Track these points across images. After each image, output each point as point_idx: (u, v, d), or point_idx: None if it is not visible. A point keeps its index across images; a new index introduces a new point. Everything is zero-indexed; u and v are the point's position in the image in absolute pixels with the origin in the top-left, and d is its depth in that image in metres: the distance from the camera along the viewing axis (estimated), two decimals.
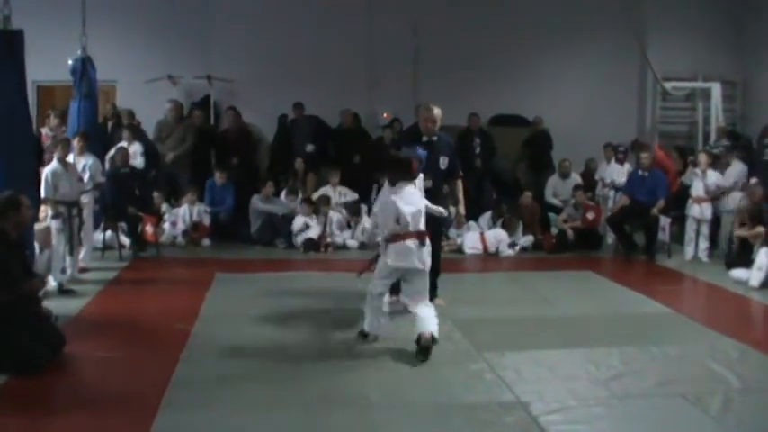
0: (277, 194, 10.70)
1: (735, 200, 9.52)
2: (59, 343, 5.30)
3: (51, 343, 5.20)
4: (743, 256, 8.47)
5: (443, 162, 6.68)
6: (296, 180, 11.39)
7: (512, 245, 10.14)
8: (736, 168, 9.90)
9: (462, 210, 7.03)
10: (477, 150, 11.77)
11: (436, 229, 6.31)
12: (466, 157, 11.77)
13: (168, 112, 11.05)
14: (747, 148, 11.10)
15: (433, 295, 6.22)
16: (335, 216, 10.37)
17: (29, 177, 6.77)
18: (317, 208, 10.26)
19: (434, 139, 6.64)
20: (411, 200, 5.46)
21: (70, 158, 7.94)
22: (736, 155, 10.22)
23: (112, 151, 10.05)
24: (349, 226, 10.49)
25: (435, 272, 6.35)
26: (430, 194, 6.02)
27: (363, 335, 5.76)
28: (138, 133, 10.86)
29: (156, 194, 10.44)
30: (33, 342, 5.00)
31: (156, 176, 10.91)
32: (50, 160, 7.83)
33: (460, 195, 6.94)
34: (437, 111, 6.60)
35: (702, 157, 9.78)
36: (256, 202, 10.40)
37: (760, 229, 8.36)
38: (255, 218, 10.37)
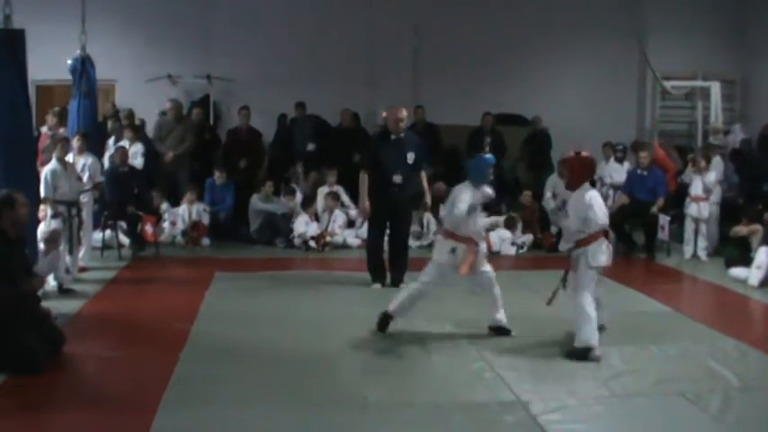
0: (277, 194, 10.70)
1: (716, 195, 9.69)
2: (59, 342, 5.30)
3: (52, 342, 5.20)
4: (742, 255, 8.47)
5: (410, 157, 7.37)
6: (296, 180, 11.37)
7: (516, 245, 10.10)
8: (717, 165, 10.01)
9: (428, 199, 7.76)
10: (488, 149, 11.73)
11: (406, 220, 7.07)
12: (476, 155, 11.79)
13: (168, 112, 11.04)
14: (743, 146, 11.12)
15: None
16: (340, 215, 10.36)
17: (29, 177, 6.77)
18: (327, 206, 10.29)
19: (402, 136, 7.39)
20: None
21: (69, 158, 7.94)
22: (720, 152, 10.31)
23: (112, 150, 10.04)
24: (351, 225, 10.47)
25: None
26: (401, 187, 6.70)
27: (587, 351, 5.30)
28: (138, 133, 10.84)
29: (155, 194, 10.43)
30: (37, 341, 5.00)
31: (156, 176, 10.90)
32: (48, 160, 7.82)
33: (425, 185, 7.65)
34: (404, 112, 7.49)
35: (701, 156, 9.78)
36: (256, 201, 10.39)
37: (757, 226, 8.38)
38: (255, 217, 10.36)
